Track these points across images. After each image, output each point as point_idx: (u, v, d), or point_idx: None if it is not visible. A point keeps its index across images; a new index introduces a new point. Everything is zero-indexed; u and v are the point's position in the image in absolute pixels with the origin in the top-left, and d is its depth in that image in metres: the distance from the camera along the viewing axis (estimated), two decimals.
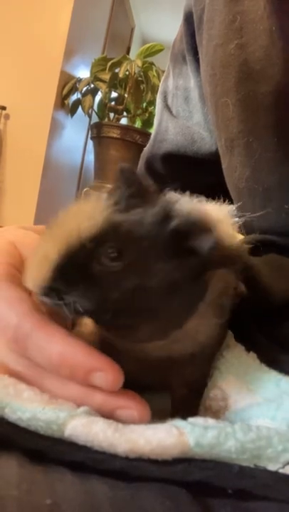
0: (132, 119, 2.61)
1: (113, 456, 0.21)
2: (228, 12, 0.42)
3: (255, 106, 0.39)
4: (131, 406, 0.25)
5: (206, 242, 0.25)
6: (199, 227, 0.25)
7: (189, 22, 0.52)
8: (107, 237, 0.25)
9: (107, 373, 0.24)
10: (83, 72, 2.61)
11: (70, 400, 0.25)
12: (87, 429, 0.22)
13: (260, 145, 0.38)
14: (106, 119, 2.57)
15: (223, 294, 0.29)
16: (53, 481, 0.20)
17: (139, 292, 0.25)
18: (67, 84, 2.44)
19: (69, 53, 2.43)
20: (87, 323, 0.32)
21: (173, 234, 0.26)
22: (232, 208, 0.33)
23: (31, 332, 0.26)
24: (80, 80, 2.47)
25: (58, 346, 0.25)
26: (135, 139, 2.44)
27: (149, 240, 0.25)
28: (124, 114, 2.60)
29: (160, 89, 0.62)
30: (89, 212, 0.27)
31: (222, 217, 0.32)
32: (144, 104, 2.58)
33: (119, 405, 0.25)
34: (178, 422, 0.23)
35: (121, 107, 2.54)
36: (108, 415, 0.25)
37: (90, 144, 2.75)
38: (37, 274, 0.26)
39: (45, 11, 2.34)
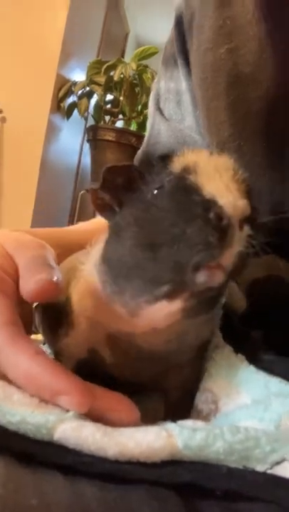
0: (127, 122, 2.61)
1: (102, 459, 0.21)
2: (218, 17, 0.42)
3: (244, 110, 0.39)
4: (119, 408, 0.25)
5: None
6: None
7: (180, 26, 0.53)
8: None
9: (72, 397, 0.24)
10: (79, 75, 2.62)
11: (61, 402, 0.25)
12: (76, 432, 0.22)
13: (250, 149, 0.38)
14: (102, 122, 2.58)
15: None
16: (41, 482, 0.20)
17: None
18: (62, 88, 2.44)
19: (65, 57, 2.43)
20: (77, 335, 0.32)
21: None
22: None
23: (1, 347, 0.26)
24: (75, 83, 2.48)
25: (25, 365, 0.25)
26: (131, 142, 2.45)
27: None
28: (120, 116, 2.60)
29: (152, 92, 0.62)
30: None
31: None
32: (140, 107, 2.58)
33: (108, 408, 0.25)
34: (167, 425, 0.23)
35: (116, 110, 2.55)
36: (97, 418, 0.25)
37: (87, 146, 2.76)
38: None
39: (41, 15, 2.35)
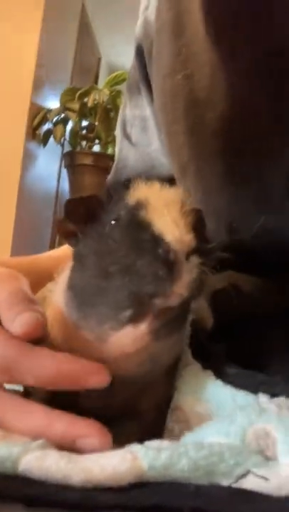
0: (104, 147, 2.65)
1: (67, 488, 0.21)
2: (174, 46, 0.44)
3: (202, 132, 0.41)
4: (92, 434, 0.25)
5: None
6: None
7: (140, 55, 0.55)
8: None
9: (98, 375, 0.27)
10: (53, 103, 2.66)
11: (31, 431, 0.25)
12: (40, 462, 0.22)
13: (209, 170, 0.40)
14: (78, 148, 2.61)
15: None
16: None
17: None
18: (37, 115, 2.47)
19: (38, 85, 2.47)
20: None
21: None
22: None
23: (19, 358, 0.27)
24: (50, 111, 2.51)
25: (53, 363, 0.27)
26: (108, 165, 2.47)
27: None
28: (96, 141, 2.64)
29: (119, 118, 0.64)
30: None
31: None
32: (115, 131, 2.63)
33: (80, 434, 0.25)
34: (132, 447, 0.23)
35: (92, 135, 2.59)
36: (69, 445, 0.25)
37: (64, 172, 2.78)
38: None
39: (12, 45, 2.39)
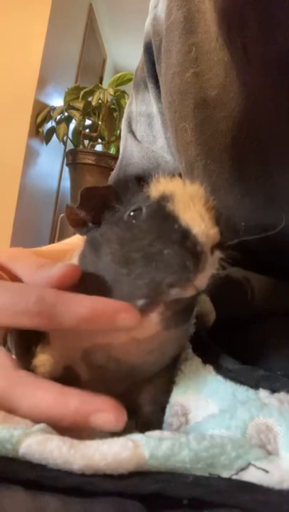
0: (106, 146, 2.65)
1: (67, 473, 0.21)
2: (184, 43, 0.44)
3: (211, 130, 0.41)
4: (107, 409, 0.25)
5: None
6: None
7: (149, 52, 0.55)
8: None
9: (128, 312, 0.27)
10: (57, 101, 2.66)
11: (44, 407, 0.25)
12: (41, 446, 0.22)
13: (217, 167, 0.40)
14: (81, 146, 2.61)
15: None
16: (1, 498, 0.20)
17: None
18: (41, 113, 2.47)
19: (42, 82, 2.48)
20: (52, 351, 0.33)
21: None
22: None
23: (57, 299, 0.27)
24: (54, 109, 2.52)
25: (86, 302, 0.27)
26: (110, 165, 2.48)
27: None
28: (99, 140, 2.65)
29: (124, 115, 0.64)
30: None
31: None
32: (118, 131, 2.63)
33: (95, 409, 0.25)
34: (133, 436, 0.23)
35: (95, 134, 2.59)
36: (83, 422, 0.24)
37: (66, 170, 2.78)
38: None
39: (18, 42, 2.39)
